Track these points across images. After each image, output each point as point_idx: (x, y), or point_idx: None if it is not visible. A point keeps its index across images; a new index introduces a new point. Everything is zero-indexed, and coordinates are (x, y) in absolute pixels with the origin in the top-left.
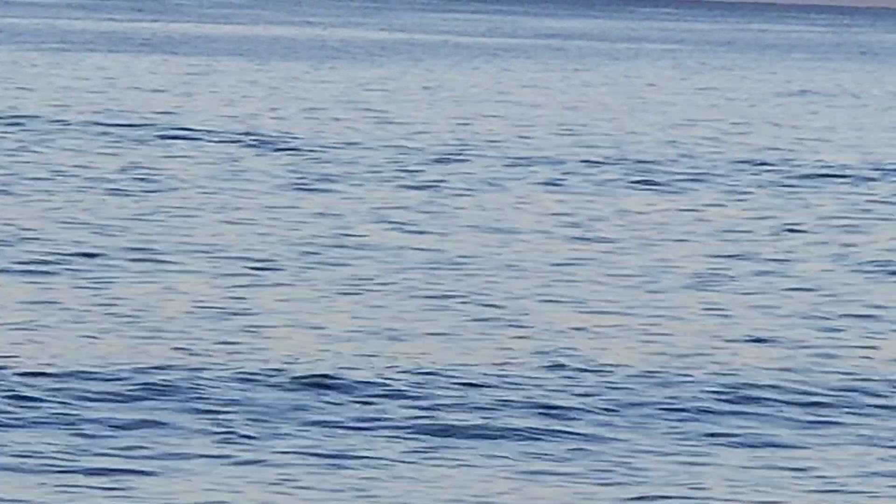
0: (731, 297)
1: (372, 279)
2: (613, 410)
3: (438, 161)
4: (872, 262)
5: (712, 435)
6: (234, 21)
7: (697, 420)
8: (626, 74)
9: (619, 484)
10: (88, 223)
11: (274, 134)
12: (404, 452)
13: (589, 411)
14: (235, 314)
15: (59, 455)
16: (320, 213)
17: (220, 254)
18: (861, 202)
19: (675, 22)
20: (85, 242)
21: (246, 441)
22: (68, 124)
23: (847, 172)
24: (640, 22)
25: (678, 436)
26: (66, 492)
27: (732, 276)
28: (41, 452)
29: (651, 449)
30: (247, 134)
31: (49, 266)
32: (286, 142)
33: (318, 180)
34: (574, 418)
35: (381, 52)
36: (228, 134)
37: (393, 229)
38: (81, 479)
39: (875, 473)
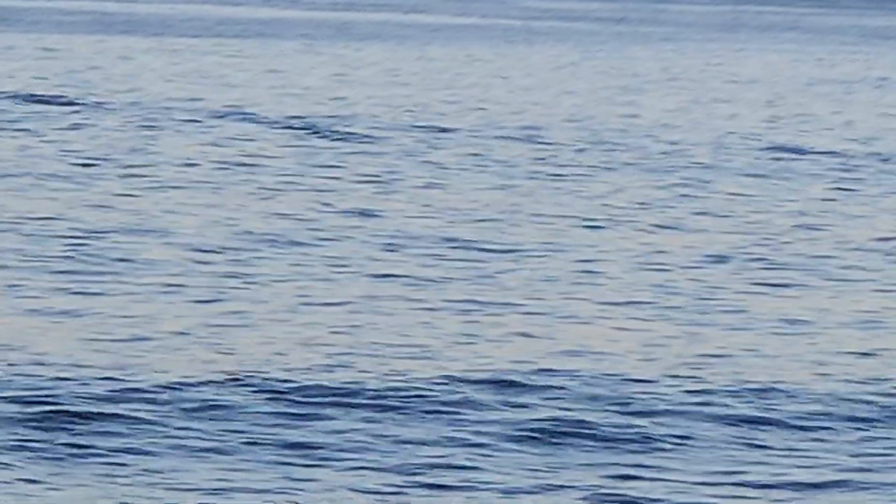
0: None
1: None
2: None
3: (448, 142)
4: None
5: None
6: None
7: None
8: (620, 57)
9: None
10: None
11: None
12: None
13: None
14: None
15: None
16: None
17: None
18: (849, 187)
19: (676, 4)
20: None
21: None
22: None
23: (836, 157)
24: (637, 3)
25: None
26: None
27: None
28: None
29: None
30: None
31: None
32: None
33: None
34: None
35: (374, 33)
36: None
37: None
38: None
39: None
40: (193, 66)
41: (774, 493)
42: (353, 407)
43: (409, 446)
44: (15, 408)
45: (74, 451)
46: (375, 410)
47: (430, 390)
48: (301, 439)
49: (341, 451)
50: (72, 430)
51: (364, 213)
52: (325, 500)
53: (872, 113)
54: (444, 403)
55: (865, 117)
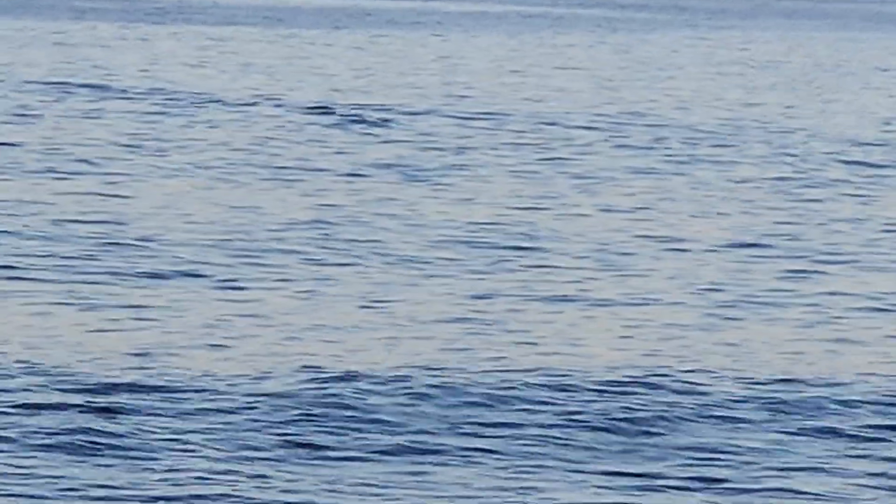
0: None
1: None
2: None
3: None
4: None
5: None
6: None
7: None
8: (642, 43)
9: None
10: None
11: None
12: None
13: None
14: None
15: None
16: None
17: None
18: (866, 172)
19: None
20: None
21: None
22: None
23: (853, 141)
24: None
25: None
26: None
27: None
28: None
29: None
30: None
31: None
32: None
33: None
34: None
35: (394, 21)
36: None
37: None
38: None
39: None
40: (214, 54)
41: (794, 474)
42: (363, 393)
43: (413, 430)
44: (48, 398)
45: (101, 444)
46: (380, 399)
47: (438, 378)
48: (310, 430)
49: (354, 434)
50: (99, 423)
51: (383, 200)
52: (338, 469)
53: (891, 98)
54: (455, 389)
55: (885, 102)
